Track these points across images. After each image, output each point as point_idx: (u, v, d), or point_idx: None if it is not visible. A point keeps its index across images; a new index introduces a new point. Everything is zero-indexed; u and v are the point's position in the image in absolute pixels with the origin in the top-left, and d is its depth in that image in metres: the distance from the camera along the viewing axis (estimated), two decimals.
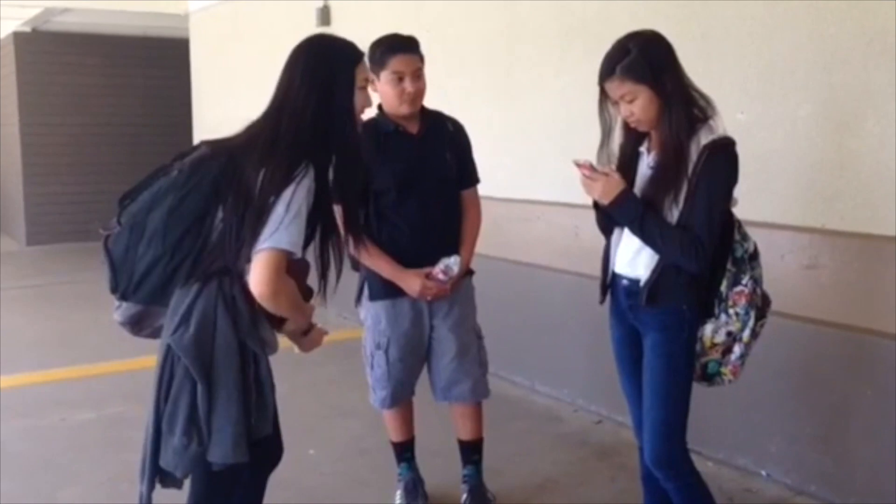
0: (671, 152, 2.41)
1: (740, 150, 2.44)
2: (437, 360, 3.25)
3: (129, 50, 11.14)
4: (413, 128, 3.16)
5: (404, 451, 3.45)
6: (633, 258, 2.54)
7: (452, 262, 3.10)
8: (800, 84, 3.34)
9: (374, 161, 3.05)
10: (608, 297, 2.71)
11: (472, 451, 3.39)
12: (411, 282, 3.09)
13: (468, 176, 3.28)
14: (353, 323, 3.95)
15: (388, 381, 3.23)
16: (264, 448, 2.26)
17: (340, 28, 6.35)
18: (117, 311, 2.29)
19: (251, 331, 2.16)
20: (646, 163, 2.56)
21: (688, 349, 2.50)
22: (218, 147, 2.26)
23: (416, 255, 3.10)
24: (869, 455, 3.18)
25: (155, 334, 2.27)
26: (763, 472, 3.56)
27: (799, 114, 3.33)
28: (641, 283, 2.51)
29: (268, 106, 2.25)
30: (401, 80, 3.04)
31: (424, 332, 3.21)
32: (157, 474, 2.20)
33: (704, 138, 2.40)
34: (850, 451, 3.25)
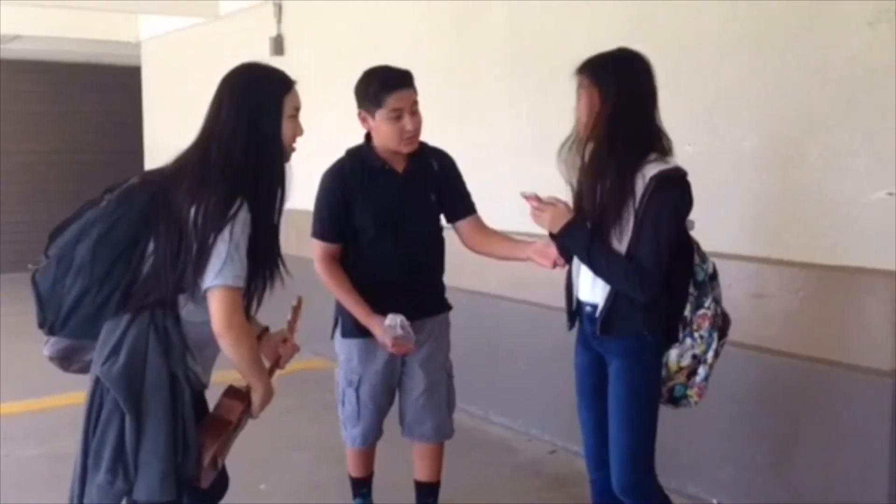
0: (596, 171, 2.45)
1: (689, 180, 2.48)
2: (405, 396, 3.21)
3: (81, 77, 11.03)
4: (399, 166, 3.07)
5: (361, 486, 3.40)
6: (593, 285, 2.56)
7: (390, 321, 2.93)
8: (745, 117, 3.42)
9: (355, 198, 3.01)
10: (575, 324, 2.72)
11: (427, 494, 3.33)
12: (378, 331, 2.98)
13: (464, 206, 3.21)
14: (308, 354, 3.92)
15: (359, 419, 3.18)
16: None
17: (294, 57, 6.35)
18: (46, 345, 2.25)
19: (182, 363, 2.13)
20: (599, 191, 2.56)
21: (651, 376, 2.51)
22: (147, 177, 2.25)
23: (392, 296, 3.01)
24: (818, 482, 3.23)
25: (84, 369, 2.23)
26: (714, 501, 3.59)
27: (744, 146, 3.41)
28: (597, 312, 2.52)
29: (197, 136, 2.24)
30: (399, 118, 2.94)
31: (396, 370, 3.17)
32: None
33: (652, 170, 2.41)
34: (799, 478, 3.30)
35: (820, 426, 3.24)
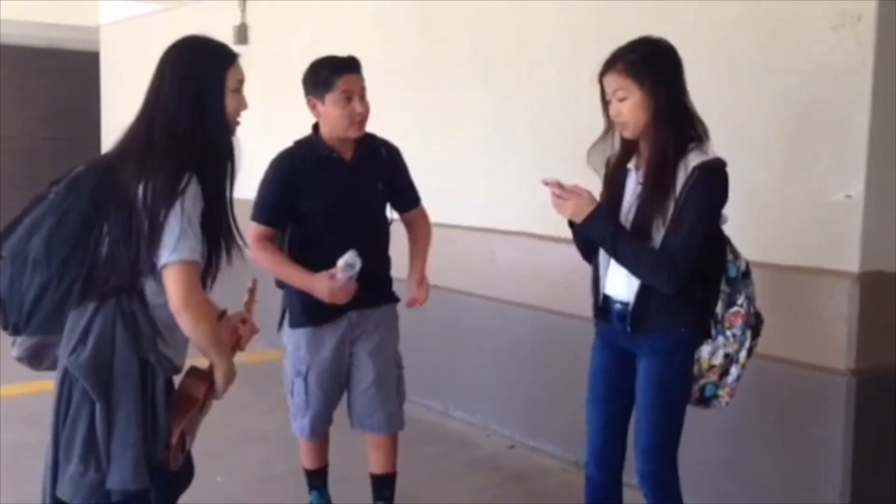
0: (658, 168, 2.38)
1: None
2: (354, 387, 3.19)
3: (36, 61, 10.80)
4: (347, 154, 3.08)
5: (317, 478, 3.38)
6: (627, 280, 2.48)
7: (349, 259, 2.92)
8: (710, 117, 3.43)
9: (302, 185, 3.00)
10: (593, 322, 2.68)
11: (383, 486, 3.31)
12: (319, 284, 2.95)
13: (408, 198, 3.25)
14: (265, 345, 3.88)
15: (307, 409, 3.16)
16: (172, 471, 2.19)
17: (258, 47, 6.29)
18: (13, 347, 2.20)
19: (153, 348, 2.10)
20: (634, 179, 2.51)
21: (685, 374, 2.49)
22: (93, 162, 2.20)
23: None
24: (774, 480, 3.27)
25: (55, 366, 2.19)
26: None
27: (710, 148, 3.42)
28: (628, 308, 2.47)
29: (139, 112, 2.20)
30: (349, 100, 2.96)
31: (345, 360, 3.15)
32: None
33: (694, 160, 2.38)
34: (756, 476, 3.34)
35: (777, 425, 3.28)
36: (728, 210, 3.38)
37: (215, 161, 2.18)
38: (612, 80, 2.41)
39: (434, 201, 4.83)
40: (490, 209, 4.49)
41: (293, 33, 5.89)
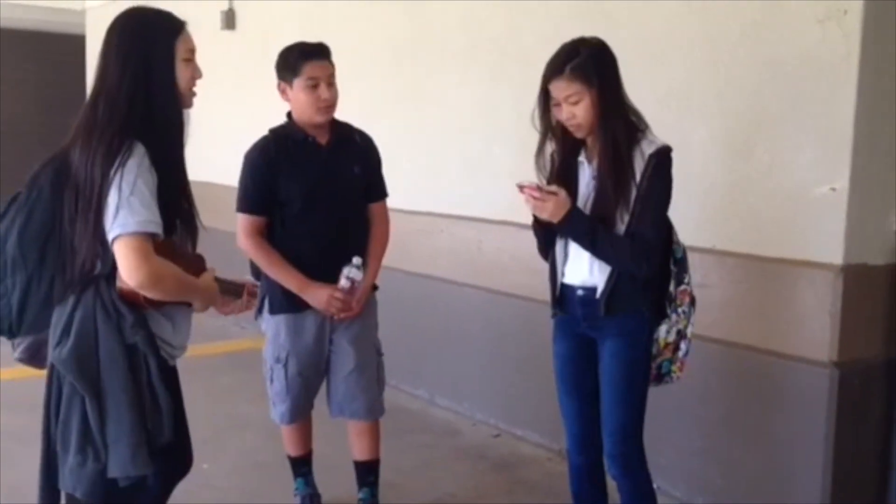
0: (614, 161, 2.47)
1: None
2: (334, 374, 3.20)
3: (24, 44, 10.71)
4: (323, 138, 3.10)
5: (301, 465, 3.40)
6: (590, 267, 2.57)
7: (355, 267, 2.99)
8: (694, 110, 3.46)
9: (281, 170, 3.01)
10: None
11: (367, 473, 3.33)
12: (318, 294, 3.02)
13: (377, 189, 3.25)
14: (251, 333, 3.88)
15: (287, 395, 3.17)
16: (170, 456, 2.19)
17: (247, 32, 6.26)
18: (15, 352, 2.21)
19: (139, 331, 2.07)
20: (588, 173, 2.58)
21: (647, 352, 2.59)
22: (52, 154, 2.16)
23: (320, 269, 3.04)
24: (754, 469, 3.30)
25: None
26: (655, 485, 3.63)
27: (693, 138, 3.44)
28: (598, 293, 2.55)
29: (90, 93, 2.16)
30: (316, 86, 3.00)
31: (325, 346, 3.17)
32: (57, 498, 2.12)
33: (648, 148, 2.48)
34: (737, 465, 3.37)
35: (758, 415, 3.31)
36: (713, 202, 3.42)
37: (164, 132, 2.12)
38: (562, 87, 2.48)
39: (420, 190, 4.87)
40: (476, 198, 4.49)
41: (281, 19, 5.86)
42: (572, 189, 2.57)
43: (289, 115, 3.13)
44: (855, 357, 3.09)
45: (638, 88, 3.58)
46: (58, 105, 10.62)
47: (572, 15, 3.86)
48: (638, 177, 2.47)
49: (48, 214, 2.09)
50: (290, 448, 3.37)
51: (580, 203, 2.56)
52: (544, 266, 3.99)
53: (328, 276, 3.02)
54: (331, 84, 3.04)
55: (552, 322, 2.80)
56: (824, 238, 3.06)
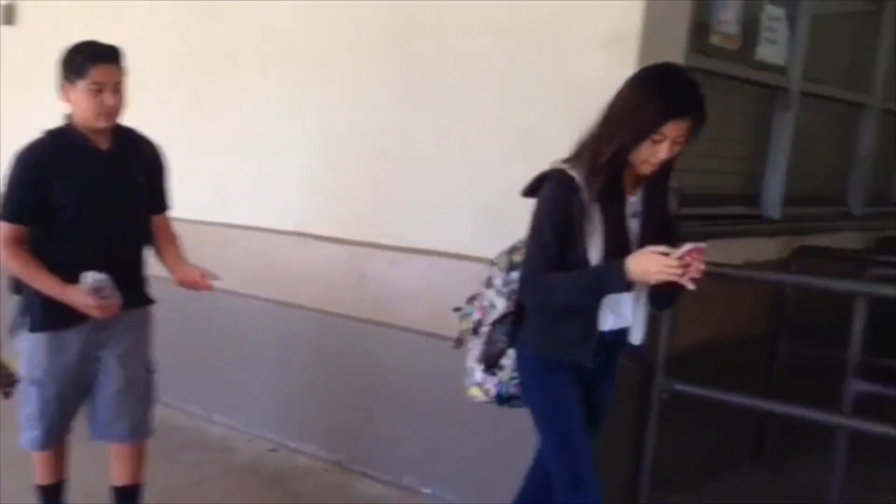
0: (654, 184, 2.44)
1: None
2: (98, 394, 2.95)
3: None
4: (104, 144, 2.88)
5: (52, 495, 3.08)
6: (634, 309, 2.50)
7: (93, 282, 2.73)
8: (494, 130, 3.53)
9: (55, 175, 2.78)
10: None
11: (125, 499, 3.07)
12: (77, 296, 2.74)
13: (162, 201, 3.07)
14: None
15: (42, 419, 2.91)
16: None
17: (27, 29, 5.87)
18: None
19: None
20: (632, 205, 2.44)
21: None
22: None
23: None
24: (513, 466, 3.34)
25: None
26: (428, 490, 3.68)
27: (482, 153, 3.53)
28: (641, 337, 2.52)
29: None
30: (100, 91, 2.78)
31: (89, 365, 2.92)
32: None
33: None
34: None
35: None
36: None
37: None
38: (685, 127, 2.27)
39: (207, 199, 4.69)
40: (266, 208, 4.38)
41: (66, 14, 5.52)
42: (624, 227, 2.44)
43: (69, 116, 2.90)
44: None
45: (438, 104, 3.62)
46: None
47: (374, 18, 3.85)
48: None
49: None
50: (41, 476, 3.05)
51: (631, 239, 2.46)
52: (335, 277, 3.98)
53: None
54: (117, 91, 2.83)
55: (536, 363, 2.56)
56: None
